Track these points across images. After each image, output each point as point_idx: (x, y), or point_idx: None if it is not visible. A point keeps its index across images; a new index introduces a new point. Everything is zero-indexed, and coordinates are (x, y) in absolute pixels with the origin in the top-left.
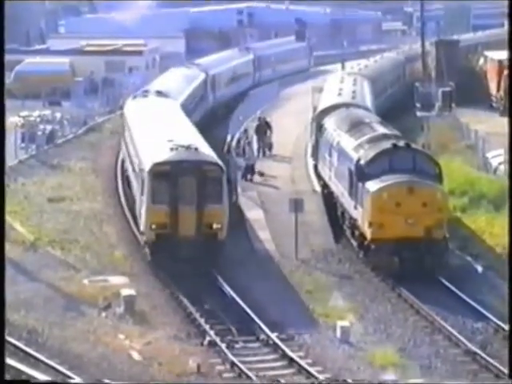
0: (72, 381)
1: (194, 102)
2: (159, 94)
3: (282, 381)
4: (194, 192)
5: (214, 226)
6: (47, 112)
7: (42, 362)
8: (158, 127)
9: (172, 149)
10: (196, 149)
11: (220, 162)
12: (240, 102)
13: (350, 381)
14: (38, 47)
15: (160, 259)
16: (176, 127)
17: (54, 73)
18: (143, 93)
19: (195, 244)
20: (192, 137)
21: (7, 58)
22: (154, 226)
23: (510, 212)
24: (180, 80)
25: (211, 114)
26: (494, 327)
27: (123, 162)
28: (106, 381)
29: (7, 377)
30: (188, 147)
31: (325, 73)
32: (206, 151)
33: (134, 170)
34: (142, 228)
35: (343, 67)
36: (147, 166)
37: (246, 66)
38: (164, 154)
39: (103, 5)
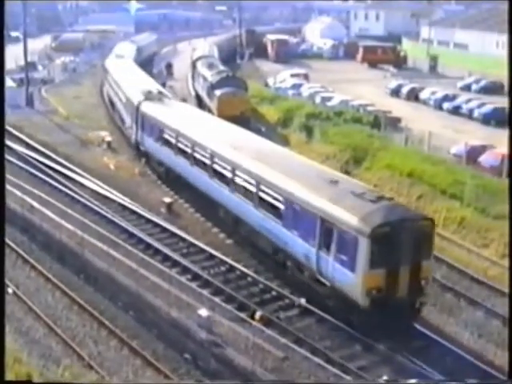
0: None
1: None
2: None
3: None
4: (410, 250)
5: (423, 282)
6: (72, 58)
7: (69, 167)
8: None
9: (372, 201)
10: (392, 200)
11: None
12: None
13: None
14: (69, 29)
15: (372, 326)
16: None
17: (76, 41)
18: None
19: (407, 303)
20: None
21: (57, 34)
22: (370, 292)
23: (510, 212)
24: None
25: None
26: None
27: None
28: None
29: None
30: (380, 197)
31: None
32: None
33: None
34: (336, 285)
35: (205, 40)
36: (365, 229)
37: (135, 51)
38: (377, 213)
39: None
